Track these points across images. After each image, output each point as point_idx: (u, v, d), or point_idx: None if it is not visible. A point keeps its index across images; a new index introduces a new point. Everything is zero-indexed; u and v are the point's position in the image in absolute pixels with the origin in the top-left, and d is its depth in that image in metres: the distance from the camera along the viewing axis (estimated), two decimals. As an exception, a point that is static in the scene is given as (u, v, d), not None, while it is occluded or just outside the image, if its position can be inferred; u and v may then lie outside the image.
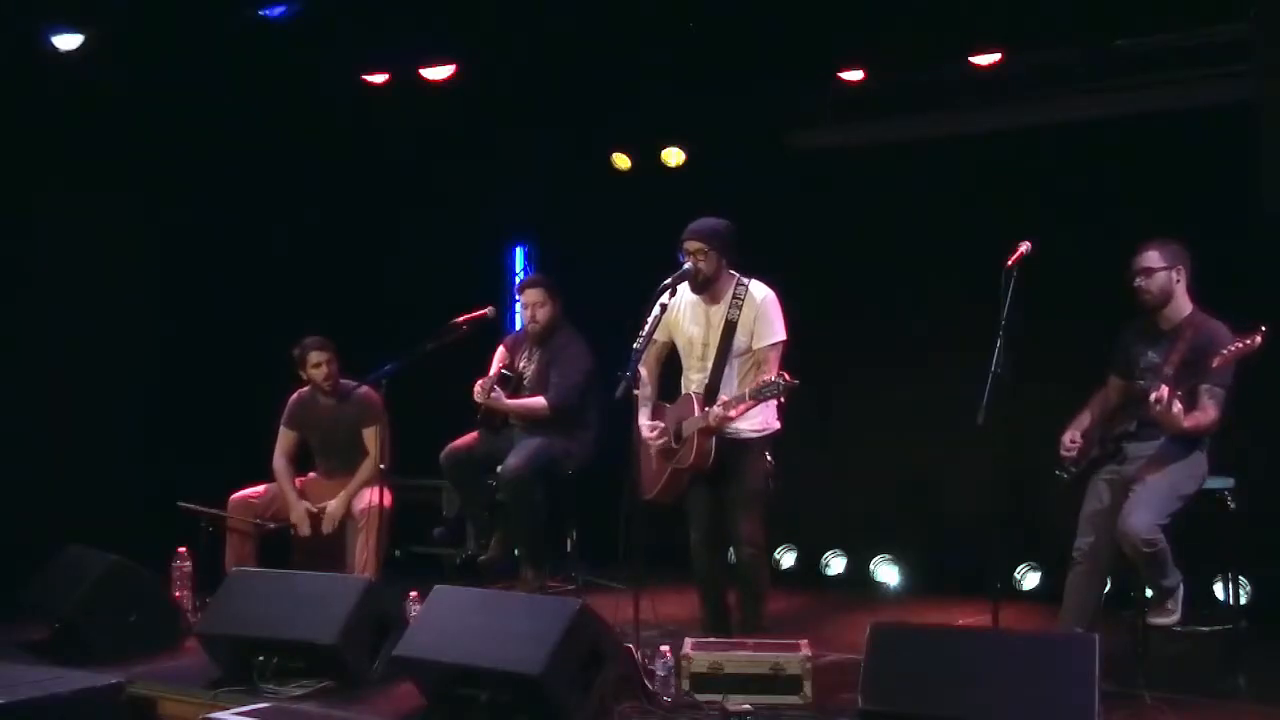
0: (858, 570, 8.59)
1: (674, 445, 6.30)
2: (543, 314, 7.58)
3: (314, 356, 7.65)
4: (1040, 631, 6.25)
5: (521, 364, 7.66)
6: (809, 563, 8.74)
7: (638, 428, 6.32)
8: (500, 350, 7.81)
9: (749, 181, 8.47)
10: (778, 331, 6.26)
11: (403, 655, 5.59)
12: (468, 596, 5.86)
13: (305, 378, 7.74)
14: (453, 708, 5.40)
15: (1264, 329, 5.45)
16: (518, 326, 7.93)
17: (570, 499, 7.59)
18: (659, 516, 6.55)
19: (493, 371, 7.59)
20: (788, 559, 8.72)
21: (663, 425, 6.37)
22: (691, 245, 6.24)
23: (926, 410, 7.97)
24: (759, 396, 5.90)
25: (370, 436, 7.70)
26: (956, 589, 7.67)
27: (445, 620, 5.63)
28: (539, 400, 7.44)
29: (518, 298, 7.77)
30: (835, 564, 8.69)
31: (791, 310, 6.38)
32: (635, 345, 6.10)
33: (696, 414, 6.20)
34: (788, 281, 6.51)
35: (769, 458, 6.33)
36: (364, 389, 7.61)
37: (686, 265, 6.23)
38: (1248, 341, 5.46)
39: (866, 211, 8.47)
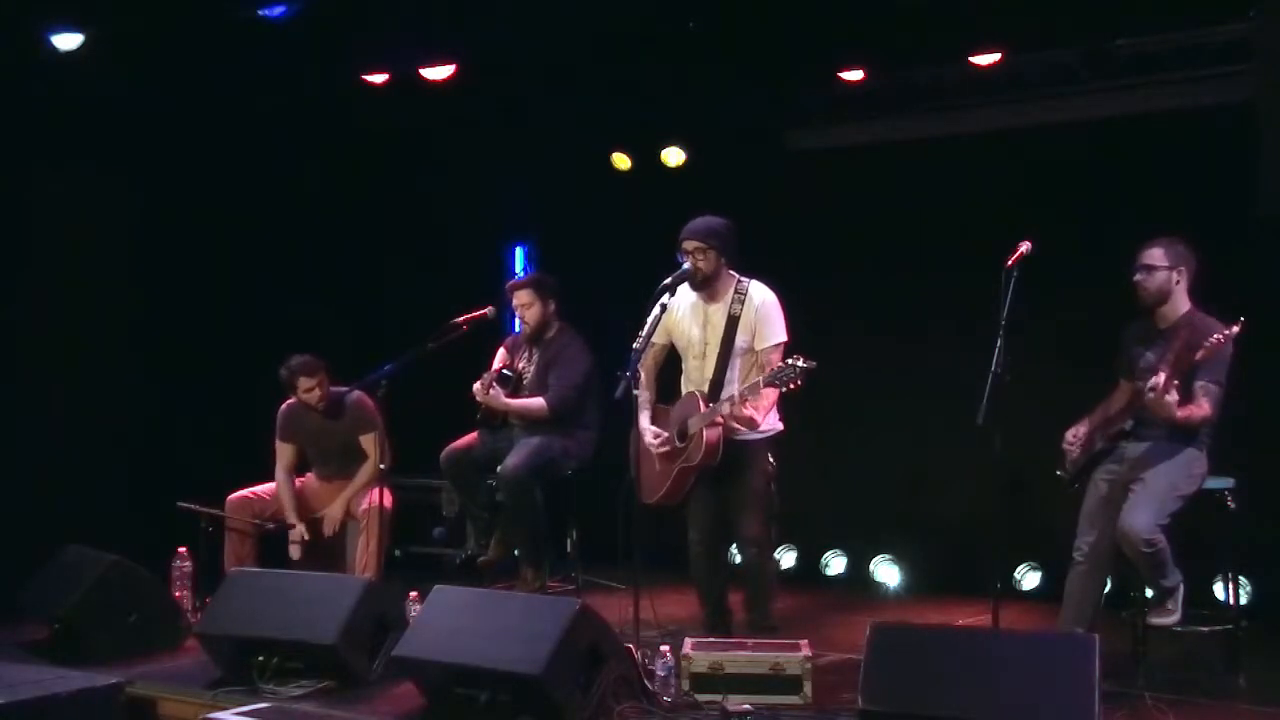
0: (858, 570, 8.59)
1: (678, 445, 6.31)
2: (531, 315, 7.58)
3: (304, 382, 7.60)
4: (1040, 631, 6.25)
5: (521, 364, 7.65)
6: (809, 563, 8.74)
7: (638, 431, 6.35)
8: (501, 351, 7.80)
9: (749, 181, 8.48)
10: (779, 333, 6.27)
11: (403, 655, 5.59)
12: (468, 596, 5.87)
13: (296, 399, 7.72)
14: (453, 708, 5.41)
15: (1243, 319, 5.47)
16: (517, 328, 7.92)
17: (570, 499, 7.57)
18: (659, 517, 6.58)
19: (491, 371, 7.58)
20: (788, 559, 8.71)
21: (666, 434, 6.37)
22: (689, 244, 6.26)
23: (926, 409, 7.98)
24: (774, 382, 5.89)
25: (368, 442, 7.72)
26: (956, 589, 7.68)
27: (445, 620, 5.63)
28: (538, 401, 7.42)
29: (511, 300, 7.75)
30: (835, 564, 8.69)
31: (790, 310, 6.39)
32: (635, 345, 6.10)
33: (701, 411, 6.21)
34: (786, 282, 6.52)
35: (770, 459, 6.35)
36: (355, 396, 7.66)
37: (685, 265, 6.24)
38: (1227, 332, 5.48)
39: (866, 211, 8.46)
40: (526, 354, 7.67)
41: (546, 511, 7.41)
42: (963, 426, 5.58)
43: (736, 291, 6.31)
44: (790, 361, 5.87)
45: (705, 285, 6.33)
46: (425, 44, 8.08)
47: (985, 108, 8.17)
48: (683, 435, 6.33)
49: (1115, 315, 6.26)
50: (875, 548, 8.52)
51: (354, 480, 7.70)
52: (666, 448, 6.35)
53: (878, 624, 5.36)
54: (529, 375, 7.58)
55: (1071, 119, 7.90)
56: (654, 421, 6.48)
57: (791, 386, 5.94)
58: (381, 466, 7.41)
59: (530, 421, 7.45)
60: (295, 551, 7.59)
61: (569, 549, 7.71)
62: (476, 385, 7.45)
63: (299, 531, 7.62)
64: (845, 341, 8.36)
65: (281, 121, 8.60)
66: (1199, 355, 5.52)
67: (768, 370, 6.03)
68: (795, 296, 6.50)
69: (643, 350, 6.15)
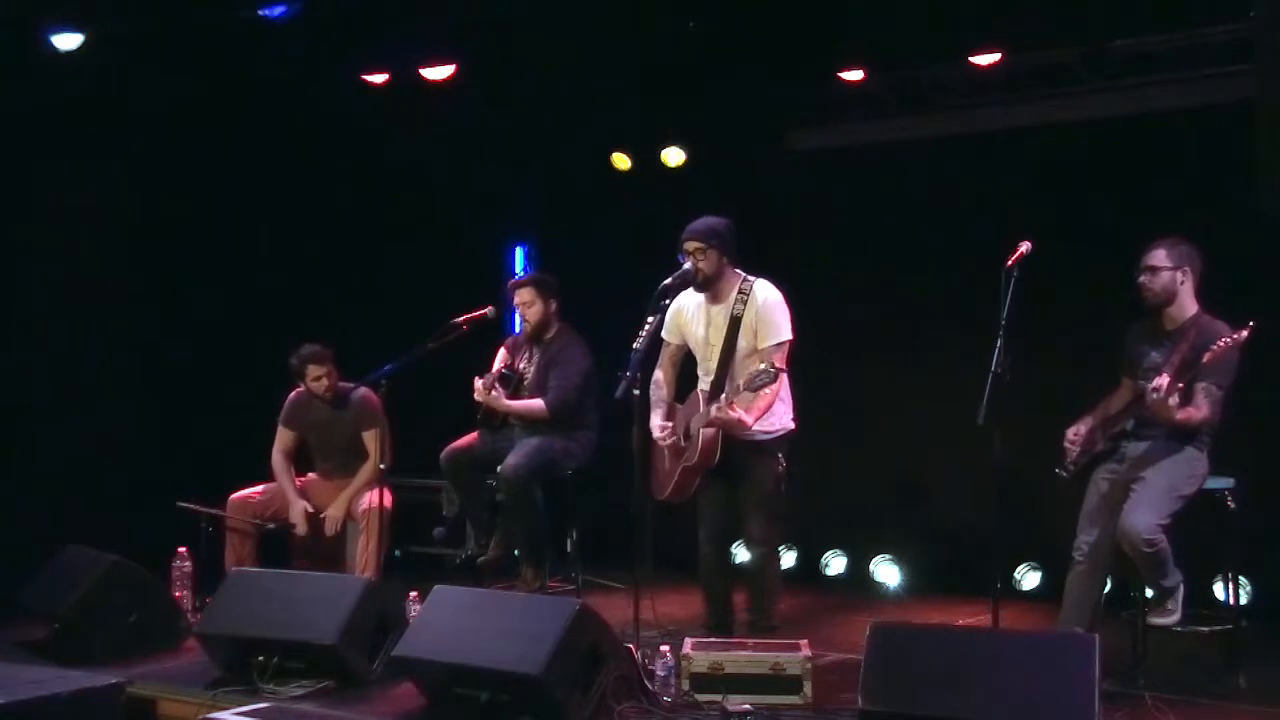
0: (858, 570, 8.60)
1: (683, 444, 6.36)
2: (533, 313, 7.66)
3: (312, 370, 7.67)
4: (1040, 631, 6.26)
5: (521, 365, 7.71)
6: (809, 563, 8.74)
7: (649, 428, 6.40)
8: (501, 352, 7.89)
9: (749, 181, 8.51)
10: (783, 331, 6.28)
11: (403, 655, 5.61)
12: (468, 596, 5.90)
13: (304, 387, 7.78)
14: (453, 708, 5.43)
15: (1252, 324, 5.49)
16: (517, 328, 7.95)
17: (570, 499, 7.60)
18: (672, 516, 6.64)
19: (493, 371, 7.63)
20: (788, 559, 8.70)
21: (671, 426, 6.43)
22: (690, 244, 6.28)
23: (926, 409, 8.00)
24: (751, 386, 5.94)
25: (370, 439, 7.76)
26: (957, 589, 7.70)
27: (445, 620, 5.66)
28: (538, 403, 7.49)
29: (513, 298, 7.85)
30: (835, 564, 8.70)
31: (792, 310, 6.39)
32: (634, 346, 6.10)
33: (701, 411, 6.25)
34: (788, 281, 6.53)
35: (782, 458, 6.38)
36: (362, 391, 7.71)
37: (686, 265, 6.25)
38: (1235, 336, 5.49)
39: (866, 211, 8.49)
40: (527, 354, 7.73)
41: (546, 511, 7.45)
42: (963, 426, 5.59)
43: (740, 291, 6.33)
44: (764, 367, 5.91)
45: (708, 285, 6.34)
46: (425, 44, 8.10)
47: (985, 108, 8.19)
48: (686, 435, 6.38)
49: (1114, 314, 6.29)
50: (875, 548, 8.53)
51: (355, 479, 7.74)
52: (671, 440, 6.41)
53: (878, 624, 5.37)
54: (529, 375, 7.63)
55: (1071, 119, 7.92)
56: (667, 420, 6.52)
57: (790, 403, 6.08)
58: (381, 466, 7.43)
59: (530, 422, 7.50)
60: (302, 527, 7.63)
61: (569, 549, 7.73)
62: (477, 384, 7.48)
63: (301, 508, 7.65)
64: (846, 340, 8.40)
65: (282, 121, 8.61)
66: (1205, 358, 5.53)
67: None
68: (794, 296, 6.49)
69: (642, 351, 6.14)
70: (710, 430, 6.20)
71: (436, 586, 5.92)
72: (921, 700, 5.05)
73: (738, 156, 8.80)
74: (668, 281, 6.21)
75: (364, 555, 7.54)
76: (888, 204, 8.40)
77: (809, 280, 7.80)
